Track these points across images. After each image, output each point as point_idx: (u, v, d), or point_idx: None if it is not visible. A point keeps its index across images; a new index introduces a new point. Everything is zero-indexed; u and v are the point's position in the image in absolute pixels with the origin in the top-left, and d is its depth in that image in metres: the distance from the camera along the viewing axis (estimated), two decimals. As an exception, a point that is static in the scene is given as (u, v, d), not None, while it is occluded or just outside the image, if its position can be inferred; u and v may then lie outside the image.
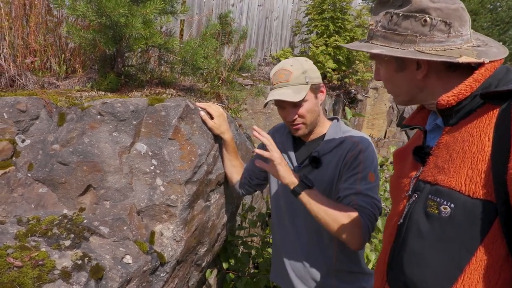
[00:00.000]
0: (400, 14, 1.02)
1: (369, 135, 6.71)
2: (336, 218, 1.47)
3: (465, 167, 0.92)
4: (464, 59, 0.96)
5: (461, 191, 0.91)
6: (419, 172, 1.07)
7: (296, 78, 1.66)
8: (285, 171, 1.57)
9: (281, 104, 1.71)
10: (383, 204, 3.11)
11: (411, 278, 1.00)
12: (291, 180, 1.56)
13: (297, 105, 1.67)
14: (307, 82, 1.67)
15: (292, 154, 1.83)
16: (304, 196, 1.52)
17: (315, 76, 1.72)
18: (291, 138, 1.87)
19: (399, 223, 1.08)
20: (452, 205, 0.92)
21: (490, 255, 0.87)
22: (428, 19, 0.99)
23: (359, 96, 6.04)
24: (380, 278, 1.14)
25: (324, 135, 1.77)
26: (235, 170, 2.08)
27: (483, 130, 0.91)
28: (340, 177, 1.64)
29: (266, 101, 1.73)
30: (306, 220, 1.76)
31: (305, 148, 1.81)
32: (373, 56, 1.12)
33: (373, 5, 1.12)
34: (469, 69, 1.00)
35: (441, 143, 1.02)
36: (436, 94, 1.04)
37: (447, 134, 1.02)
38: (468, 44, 1.02)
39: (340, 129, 1.75)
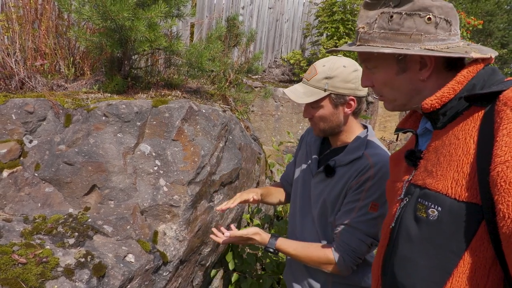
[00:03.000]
0: (403, 13, 1.00)
1: (381, 138, 6.60)
2: (309, 258, 1.59)
3: (451, 170, 0.91)
4: (474, 55, 0.96)
5: (447, 194, 0.90)
6: (411, 176, 1.06)
7: (316, 81, 1.59)
8: (261, 239, 1.64)
9: None
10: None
11: (402, 282, 1.00)
12: (264, 239, 1.64)
13: (312, 106, 1.62)
14: (325, 90, 1.57)
15: (315, 157, 1.77)
16: (280, 246, 1.62)
17: (343, 86, 1.57)
18: (320, 141, 1.81)
19: (391, 227, 1.08)
20: (440, 208, 0.91)
21: (478, 258, 0.86)
22: (432, 17, 0.98)
23: (370, 98, 5.99)
24: (375, 282, 1.14)
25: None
26: (279, 196, 2.02)
27: (468, 132, 0.91)
28: (344, 198, 1.59)
29: (283, 90, 1.71)
30: (313, 224, 1.74)
31: (329, 154, 1.74)
32: (367, 59, 1.09)
33: (361, 8, 1.11)
34: (460, 69, 1.00)
35: (430, 146, 1.01)
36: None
37: (436, 137, 1.01)
38: (461, 43, 1.02)
39: (364, 143, 1.63)
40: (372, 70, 1.10)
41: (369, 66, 1.11)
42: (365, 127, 1.73)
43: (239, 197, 1.75)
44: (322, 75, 1.58)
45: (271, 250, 1.62)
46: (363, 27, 1.06)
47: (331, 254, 1.54)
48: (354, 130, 1.67)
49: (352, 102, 1.61)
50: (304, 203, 1.76)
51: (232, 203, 1.69)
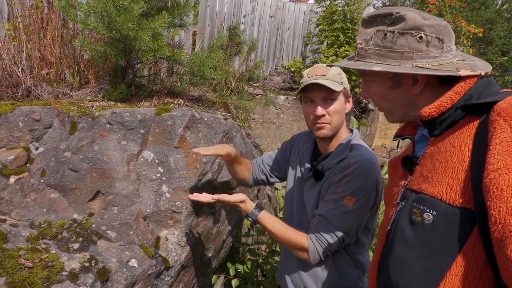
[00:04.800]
0: (396, 32, 1.05)
1: (382, 145, 6.60)
2: (285, 239, 1.64)
3: (446, 176, 0.95)
4: (463, 72, 1.00)
5: (442, 199, 0.94)
6: (407, 181, 1.10)
7: (333, 75, 1.65)
8: (244, 207, 1.69)
9: (313, 97, 1.67)
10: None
11: (397, 283, 1.04)
12: (247, 208, 1.69)
13: (328, 101, 1.67)
14: (341, 83, 1.67)
15: (308, 163, 1.82)
16: (261, 219, 1.66)
17: (347, 85, 1.71)
18: (312, 148, 1.86)
19: (387, 230, 1.12)
20: (434, 213, 0.95)
21: (470, 261, 0.90)
22: (423, 35, 1.03)
23: (370, 106, 6.04)
24: (371, 284, 1.18)
25: None
26: (246, 173, 2.03)
27: (463, 141, 0.95)
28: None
29: (304, 84, 1.66)
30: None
31: (320, 160, 1.78)
32: (364, 74, 1.14)
33: (359, 25, 1.16)
34: (456, 82, 1.04)
35: (426, 153, 1.06)
36: None
37: (432, 144, 1.05)
38: (456, 58, 1.06)
39: (349, 145, 1.70)
40: (369, 84, 1.16)
41: (366, 80, 1.16)
42: (351, 130, 1.80)
43: (213, 149, 1.81)
44: (335, 71, 1.67)
45: (251, 220, 1.67)
46: (360, 43, 1.11)
47: (305, 241, 1.60)
48: (344, 133, 1.75)
49: (350, 100, 1.73)
50: (300, 210, 1.80)
51: (205, 152, 1.76)
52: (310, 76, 1.68)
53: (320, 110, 1.66)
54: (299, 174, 1.86)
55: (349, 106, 1.73)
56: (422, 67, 1.03)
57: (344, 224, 1.56)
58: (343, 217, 1.56)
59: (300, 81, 1.74)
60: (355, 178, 1.57)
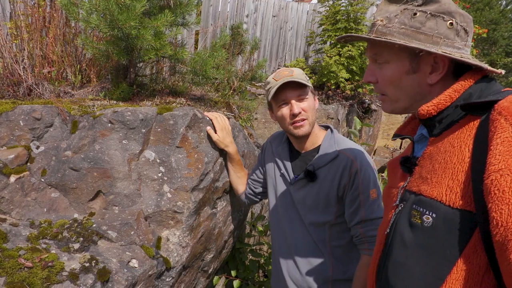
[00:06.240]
0: (428, 13, 1.00)
1: (385, 145, 6.58)
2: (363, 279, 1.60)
3: (446, 177, 0.92)
4: (488, 67, 0.97)
5: (442, 201, 0.91)
6: (406, 182, 1.07)
7: (299, 75, 1.70)
8: None
9: (287, 97, 1.69)
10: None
11: (395, 287, 1.01)
12: None
13: (302, 98, 1.71)
14: (307, 81, 1.73)
15: (288, 164, 1.84)
16: None
17: (310, 84, 1.77)
18: (287, 149, 1.87)
19: (386, 232, 1.09)
20: (434, 215, 0.92)
21: (471, 265, 0.87)
22: (454, 23, 0.99)
23: (373, 106, 6.01)
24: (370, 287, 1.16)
25: (319, 146, 1.77)
26: (240, 181, 2.12)
27: (463, 141, 0.92)
28: (344, 197, 1.66)
29: (277, 86, 1.67)
30: (303, 229, 1.77)
31: (301, 159, 1.81)
32: (378, 53, 1.07)
33: (382, 1, 1.09)
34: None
35: (425, 153, 1.02)
36: None
37: (431, 144, 1.02)
38: (471, 56, 1.03)
39: (334, 141, 1.74)
40: (380, 66, 1.09)
41: (379, 61, 1.09)
42: (326, 127, 1.85)
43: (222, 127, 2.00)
44: (299, 71, 1.73)
45: None
46: (381, 20, 1.06)
47: (369, 257, 1.60)
48: (319, 131, 1.80)
49: (316, 98, 1.82)
50: (288, 211, 1.80)
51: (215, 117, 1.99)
52: (278, 79, 1.70)
53: (296, 108, 1.69)
54: (279, 176, 1.87)
55: (316, 104, 1.81)
56: (450, 54, 0.98)
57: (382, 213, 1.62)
58: (379, 208, 1.62)
59: (267, 88, 1.75)
60: (366, 170, 1.62)
